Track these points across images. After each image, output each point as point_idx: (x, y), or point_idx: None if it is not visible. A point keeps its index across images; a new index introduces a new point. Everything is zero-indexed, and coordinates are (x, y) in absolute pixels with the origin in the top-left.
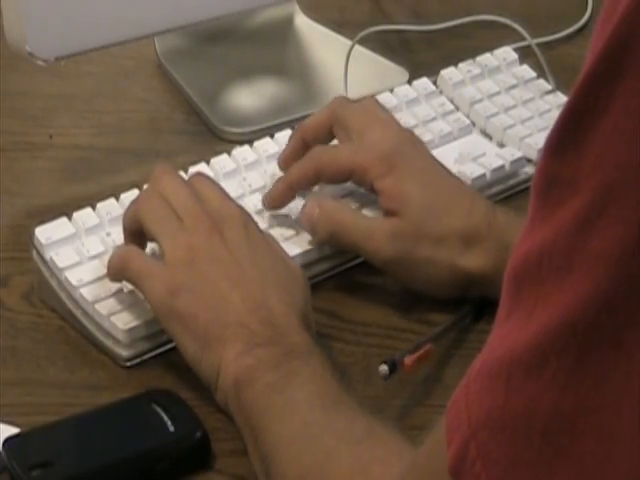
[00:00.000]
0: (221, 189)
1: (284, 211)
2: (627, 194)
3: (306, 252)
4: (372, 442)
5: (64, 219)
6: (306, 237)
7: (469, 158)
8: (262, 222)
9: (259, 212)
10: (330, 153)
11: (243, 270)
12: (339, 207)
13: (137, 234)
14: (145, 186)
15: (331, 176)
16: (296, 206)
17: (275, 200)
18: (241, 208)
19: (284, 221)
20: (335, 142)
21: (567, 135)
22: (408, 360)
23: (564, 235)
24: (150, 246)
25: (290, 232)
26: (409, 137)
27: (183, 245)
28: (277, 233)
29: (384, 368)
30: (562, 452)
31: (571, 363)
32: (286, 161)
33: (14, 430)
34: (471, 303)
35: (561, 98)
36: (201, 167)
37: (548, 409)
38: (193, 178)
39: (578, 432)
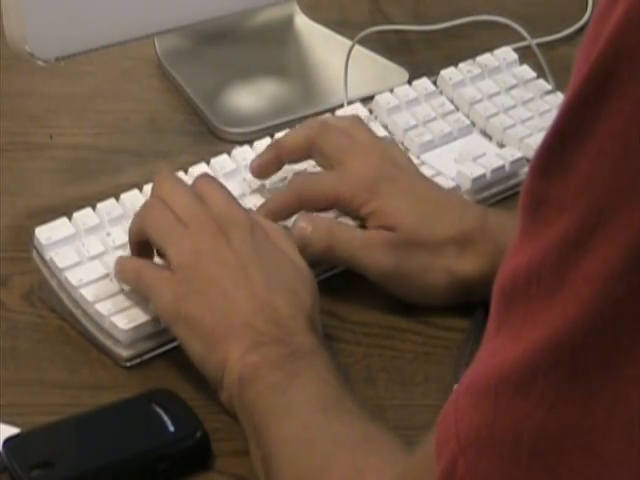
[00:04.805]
0: (226, 191)
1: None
2: (615, 216)
3: None
4: (368, 450)
5: (64, 219)
6: None
7: (469, 158)
8: None
9: None
10: (312, 182)
11: (248, 272)
12: (333, 222)
13: (143, 246)
14: (145, 187)
15: (314, 205)
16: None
17: None
18: (246, 211)
19: None
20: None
21: (553, 157)
22: None
23: (552, 255)
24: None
25: None
26: (391, 158)
27: (188, 250)
28: None
29: None
30: (550, 471)
31: (559, 383)
32: (258, 169)
33: (14, 430)
34: (479, 308)
35: (561, 98)
36: (201, 167)
37: (536, 428)
38: (198, 180)
39: (567, 451)
